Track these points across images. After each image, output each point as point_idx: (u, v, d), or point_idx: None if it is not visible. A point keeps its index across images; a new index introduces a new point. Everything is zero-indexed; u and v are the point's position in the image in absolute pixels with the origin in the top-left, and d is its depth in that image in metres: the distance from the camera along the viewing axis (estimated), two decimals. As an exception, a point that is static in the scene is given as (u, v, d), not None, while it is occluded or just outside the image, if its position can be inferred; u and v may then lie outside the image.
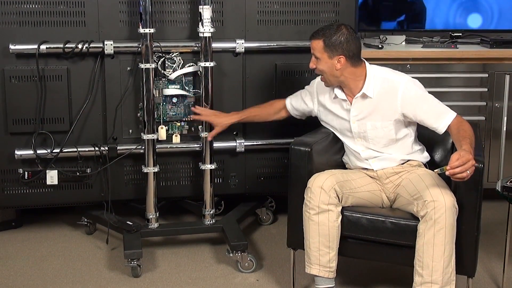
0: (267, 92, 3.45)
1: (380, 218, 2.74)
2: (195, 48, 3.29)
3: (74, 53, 3.21)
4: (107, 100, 3.31)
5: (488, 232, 3.54)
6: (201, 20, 3.13)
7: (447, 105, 2.82)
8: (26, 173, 3.30)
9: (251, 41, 3.36)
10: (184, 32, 3.32)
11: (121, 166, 3.39)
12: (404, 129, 2.88)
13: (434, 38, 4.11)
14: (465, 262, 2.67)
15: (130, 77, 3.29)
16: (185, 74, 3.33)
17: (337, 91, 2.90)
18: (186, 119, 3.39)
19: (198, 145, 3.37)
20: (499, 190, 2.85)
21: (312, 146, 2.83)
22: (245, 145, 3.46)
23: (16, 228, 3.63)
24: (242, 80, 3.41)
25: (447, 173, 2.46)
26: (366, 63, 2.88)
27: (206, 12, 3.12)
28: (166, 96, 3.34)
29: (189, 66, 3.32)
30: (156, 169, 3.27)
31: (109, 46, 3.21)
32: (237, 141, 3.46)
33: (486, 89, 3.83)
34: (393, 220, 2.72)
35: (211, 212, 3.37)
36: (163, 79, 3.32)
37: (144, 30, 3.11)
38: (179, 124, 3.40)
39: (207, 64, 3.19)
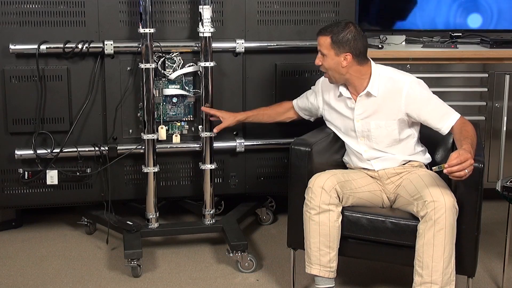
0: (267, 92, 3.45)
1: (380, 218, 2.74)
2: (195, 48, 3.29)
3: (74, 53, 3.21)
4: (107, 100, 3.31)
5: (488, 232, 3.54)
6: (201, 20, 3.14)
7: (448, 105, 2.83)
8: (26, 173, 3.30)
9: (251, 41, 3.36)
10: (184, 32, 3.32)
11: (121, 166, 3.39)
12: (408, 129, 2.88)
13: (434, 38, 4.10)
14: (465, 262, 2.67)
15: (130, 77, 3.29)
16: (185, 74, 3.33)
17: (342, 89, 2.90)
18: (186, 119, 3.39)
19: (198, 145, 3.37)
20: (499, 190, 2.85)
21: (312, 146, 2.83)
22: (245, 145, 3.46)
23: (16, 228, 3.63)
24: (242, 80, 3.41)
25: (445, 171, 2.46)
26: (372, 62, 2.88)
27: (206, 12, 3.12)
28: (166, 96, 3.34)
29: (189, 66, 3.32)
30: (156, 169, 3.27)
31: (109, 46, 3.21)
32: (237, 141, 3.46)
33: (486, 89, 3.82)
34: (393, 220, 2.72)
35: (211, 212, 3.38)
36: (163, 79, 3.32)
37: (144, 30, 3.11)
38: (179, 124, 3.40)
39: (207, 64, 3.19)
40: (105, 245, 3.42)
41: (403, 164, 2.91)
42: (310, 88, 3.12)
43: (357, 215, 2.76)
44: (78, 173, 3.35)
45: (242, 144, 3.46)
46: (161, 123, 3.33)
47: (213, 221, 3.39)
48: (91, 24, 3.23)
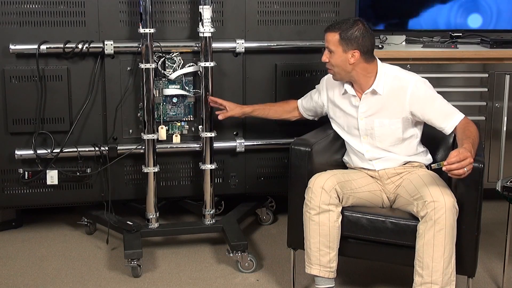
0: (267, 92, 3.45)
1: (380, 218, 2.74)
2: (195, 48, 3.29)
3: (74, 53, 3.21)
4: (107, 100, 3.31)
5: (488, 232, 3.54)
6: (201, 20, 3.14)
7: (452, 105, 2.82)
8: (26, 173, 3.30)
9: (251, 41, 3.36)
10: (184, 32, 3.32)
11: (121, 166, 3.39)
12: (411, 129, 2.88)
13: (434, 38, 4.11)
14: (465, 262, 2.67)
15: (130, 77, 3.29)
16: (185, 74, 3.33)
17: (347, 87, 2.90)
18: (186, 119, 3.39)
19: (198, 145, 3.37)
20: (499, 190, 2.85)
21: (312, 146, 2.83)
22: (245, 145, 3.46)
23: (16, 228, 3.63)
24: (242, 80, 3.41)
25: (444, 168, 2.46)
26: (378, 60, 2.88)
27: (206, 12, 3.12)
28: (166, 96, 3.34)
29: (189, 66, 3.32)
30: (156, 169, 3.27)
31: (109, 46, 3.21)
32: (237, 141, 3.46)
33: (486, 89, 3.83)
34: (393, 220, 2.72)
35: (211, 212, 3.37)
36: (163, 79, 3.32)
37: (144, 30, 3.11)
38: (179, 124, 3.40)
39: (207, 64, 3.19)
40: (105, 245, 3.42)
41: (404, 164, 2.91)
42: (315, 87, 3.12)
43: (357, 215, 2.76)
44: (78, 173, 3.35)
45: (242, 144, 3.46)
46: (161, 123, 3.33)
47: (213, 221, 3.39)
48: (91, 24, 3.23)
